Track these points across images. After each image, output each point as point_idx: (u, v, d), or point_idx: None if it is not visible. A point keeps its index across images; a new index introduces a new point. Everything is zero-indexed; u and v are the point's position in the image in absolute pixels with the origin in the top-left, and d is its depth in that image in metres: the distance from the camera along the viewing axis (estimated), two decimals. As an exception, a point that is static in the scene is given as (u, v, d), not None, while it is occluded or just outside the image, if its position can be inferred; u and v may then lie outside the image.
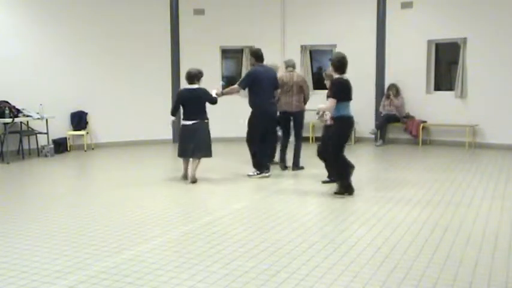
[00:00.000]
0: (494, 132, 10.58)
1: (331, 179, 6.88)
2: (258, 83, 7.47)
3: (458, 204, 5.83)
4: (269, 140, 7.87)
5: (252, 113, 7.59)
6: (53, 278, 3.73)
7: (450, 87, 11.30)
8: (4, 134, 9.45)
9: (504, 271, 3.82)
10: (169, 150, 11.09)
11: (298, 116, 8.08)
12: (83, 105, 11.04)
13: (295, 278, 3.69)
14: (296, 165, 8.12)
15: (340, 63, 6.26)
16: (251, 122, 7.61)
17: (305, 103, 8.16)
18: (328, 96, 6.31)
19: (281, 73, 8.23)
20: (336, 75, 6.31)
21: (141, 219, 5.35)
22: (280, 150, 8.21)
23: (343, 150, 6.35)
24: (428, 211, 5.55)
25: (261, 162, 7.57)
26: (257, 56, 7.66)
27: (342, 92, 6.21)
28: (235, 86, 7.78)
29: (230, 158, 9.34)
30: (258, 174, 7.54)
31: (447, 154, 9.84)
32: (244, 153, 7.95)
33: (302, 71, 11.68)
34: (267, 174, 7.56)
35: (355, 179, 6.42)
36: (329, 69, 6.76)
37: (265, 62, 7.86)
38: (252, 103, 7.59)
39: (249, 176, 7.55)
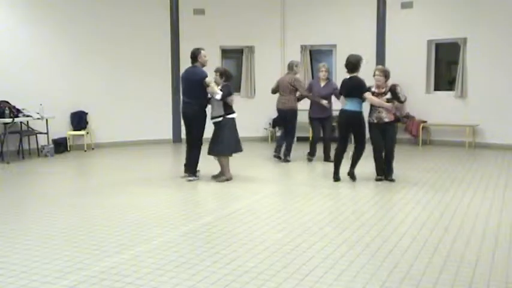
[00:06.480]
0: (494, 132, 10.59)
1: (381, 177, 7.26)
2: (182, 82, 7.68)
3: (458, 204, 5.83)
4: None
5: None
6: (53, 278, 3.73)
7: (450, 87, 11.31)
8: (4, 134, 9.45)
9: (504, 271, 3.82)
10: (169, 150, 11.09)
11: (289, 113, 8.88)
12: (83, 105, 11.04)
13: (295, 278, 3.69)
14: (284, 157, 8.98)
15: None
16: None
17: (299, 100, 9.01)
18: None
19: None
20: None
21: (141, 219, 5.35)
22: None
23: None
24: (428, 211, 5.56)
25: (193, 164, 7.50)
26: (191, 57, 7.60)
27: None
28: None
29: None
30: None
31: (447, 154, 9.84)
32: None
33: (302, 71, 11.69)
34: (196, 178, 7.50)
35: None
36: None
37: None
38: None
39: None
